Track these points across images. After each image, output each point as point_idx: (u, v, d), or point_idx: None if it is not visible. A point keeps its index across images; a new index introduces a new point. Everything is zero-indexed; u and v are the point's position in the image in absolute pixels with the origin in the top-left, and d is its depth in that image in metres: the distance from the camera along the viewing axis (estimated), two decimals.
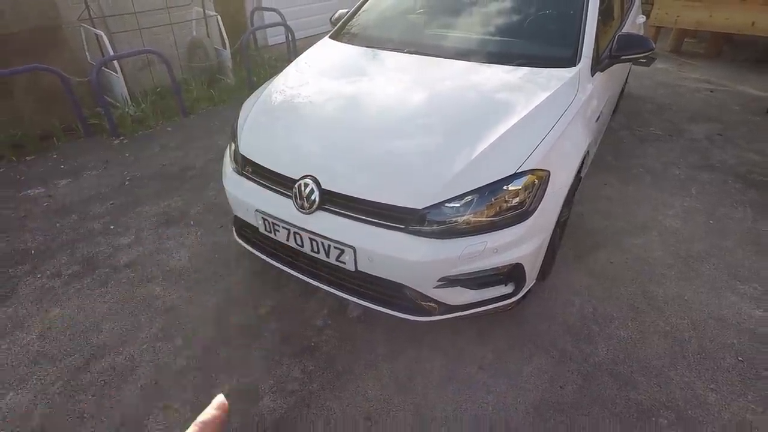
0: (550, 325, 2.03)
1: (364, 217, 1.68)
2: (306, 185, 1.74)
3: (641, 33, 3.87)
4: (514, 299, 1.85)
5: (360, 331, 2.01)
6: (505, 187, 1.65)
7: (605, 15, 2.70)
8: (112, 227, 2.71)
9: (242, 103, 2.28)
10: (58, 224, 2.74)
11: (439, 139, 1.78)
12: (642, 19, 3.78)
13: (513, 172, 1.65)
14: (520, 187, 1.66)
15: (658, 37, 6.53)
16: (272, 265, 2.01)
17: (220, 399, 0.34)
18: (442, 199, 1.61)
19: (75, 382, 1.78)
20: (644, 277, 2.29)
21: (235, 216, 2.15)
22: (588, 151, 2.15)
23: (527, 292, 1.92)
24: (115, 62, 4.18)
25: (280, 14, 5.70)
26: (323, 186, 1.72)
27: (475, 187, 1.62)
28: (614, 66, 2.49)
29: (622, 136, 3.91)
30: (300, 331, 2.01)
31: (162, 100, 4.52)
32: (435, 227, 1.62)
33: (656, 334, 1.98)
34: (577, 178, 2.27)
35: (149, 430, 1.61)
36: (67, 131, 3.92)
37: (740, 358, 1.85)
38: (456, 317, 1.83)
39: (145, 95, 4.39)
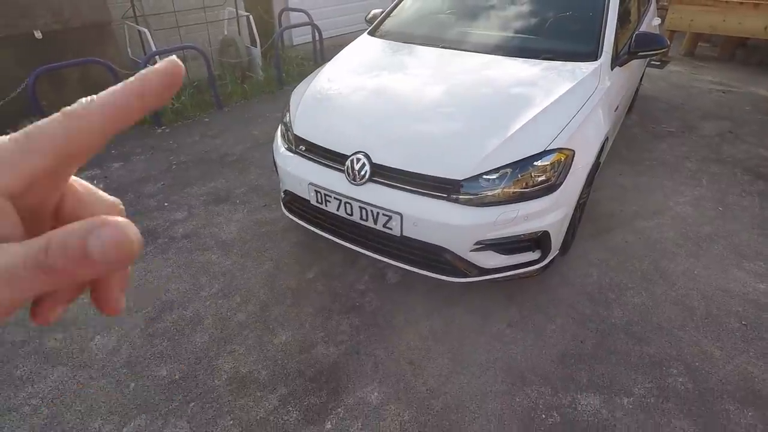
0: (570, 292, 2.24)
1: (410, 188, 1.91)
2: (358, 160, 1.97)
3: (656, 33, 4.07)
4: (540, 265, 2.07)
5: (399, 294, 2.24)
6: (535, 163, 1.88)
7: (623, 16, 2.91)
8: (165, 204, 2.98)
9: (273, 98, 2.55)
10: None
11: (476, 120, 2.02)
12: (657, 21, 3.98)
13: (542, 150, 1.88)
14: (548, 164, 1.88)
15: (673, 41, 6.69)
16: (318, 235, 2.25)
17: (172, 61, 0.23)
18: (480, 172, 1.84)
19: (151, 329, 2.03)
20: (657, 254, 2.50)
21: (284, 192, 2.39)
22: (607, 138, 2.37)
23: (550, 262, 2.14)
24: (157, 57, 4.46)
25: (308, 15, 5.98)
26: (374, 160, 1.96)
27: (509, 162, 1.85)
28: (631, 64, 2.72)
29: (636, 133, 4.10)
30: (345, 293, 2.24)
31: (199, 93, 4.80)
32: (473, 196, 1.85)
33: (667, 302, 2.18)
34: (597, 163, 2.49)
35: (222, 367, 1.85)
36: None
37: (744, 323, 2.05)
38: (487, 280, 2.05)
39: (183, 88, 4.67)
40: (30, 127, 0.21)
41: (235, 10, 5.49)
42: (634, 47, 2.46)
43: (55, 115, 0.22)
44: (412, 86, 2.29)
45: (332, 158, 2.09)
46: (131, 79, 0.23)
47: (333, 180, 2.06)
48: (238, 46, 5.51)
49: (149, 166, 3.47)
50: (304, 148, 2.22)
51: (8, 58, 3.75)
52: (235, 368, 1.85)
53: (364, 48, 2.81)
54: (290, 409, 1.70)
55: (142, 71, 0.23)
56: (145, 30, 4.48)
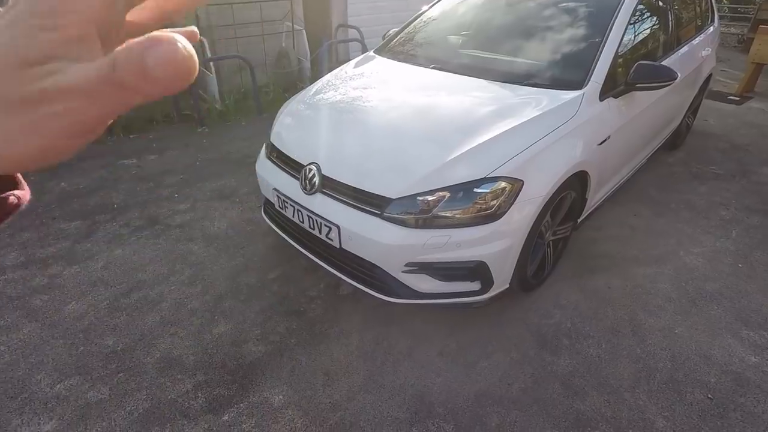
0: (521, 331, 2.11)
1: (350, 202, 1.95)
2: (310, 170, 2.05)
3: (707, 66, 3.68)
4: (481, 297, 1.98)
5: (345, 306, 2.26)
6: (475, 189, 1.82)
7: (648, 43, 2.71)
8: (176, 196, 3.28)
9: None
10: (138, 188, 3.37)
11: (426, 141, 2.01)
12: (707, 51, 3.60)
13: (483, 176, 1.82)
14: (488, 191, 1.81)
15: (761, 74, 5.94)
16: (284, 238, 2.35)
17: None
18: (414, 192, 1.82)
19: (117, 303, 2.26)
20: (638, 306, 2.25)
21: (264, 196, 2.54)
22: (588, 172, 2.21)
23: (500, 295, 2.04)
24: (211, 64, 4.94)
25: (359, 31, 6.23)
26: (323, 172, 2.02)
27: (446, 185, 1.81)
28: (666, 95, 2.70)
29: (676, 172, 3.72)
30: (295, 297, 2.32)
31: (244, 99, 5.21)
32: (405, 216, 1.84)
33: (628, 358, 1.96)
34: (581, 199, 2.33)
35: (158, 347, 2.01)
36: (166, 118, 4.72)
37: (710, 396, 1.78)
38: (427, 305, 2.01)
39: (229, 94, 5.10)
40: None
41: (291, 24, 5.90)
42: (632, 79, 2.28)
43: None
44: (380, 104, 2.33)
45: (292, 166, 2.19)
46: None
47: (291, 188, 2.16)
48: (290, 57, 5.91)
49: (177, 161, 3.85)
50: (275, 155, 2.35)
51: None
52: (170, 350, 2.00)
53: (360, 65, 2.90)
54: (199, 395, 1.80)
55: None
56: (204, 39, 4.99)
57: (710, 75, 3.95)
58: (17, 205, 0.30)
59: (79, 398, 1.78)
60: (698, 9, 3.64)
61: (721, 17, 4.70)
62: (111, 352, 1.99)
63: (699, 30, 3.55)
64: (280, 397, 1.79)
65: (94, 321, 2.15)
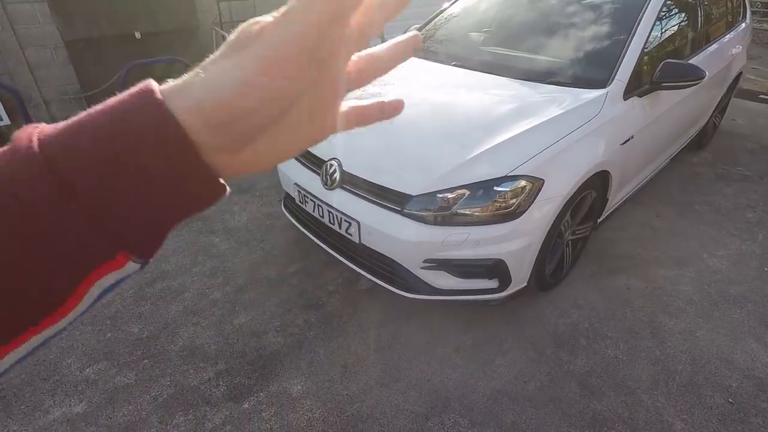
0: (538, 330, 2.11)
1: (370, 198, 1.97)
2: (331, 166, 2.08)
3: (737, 64, 3.59)
4: (498, 295, 1.99)
5: (363, 301, 2.29)
6: (495, 188, 1.82)
7: (675, 40, 2.66)
8: None
9: None
10: None
11: (447, 139, 2.01)
12: (738, 49, 3.50)
13: (504, 175, 1.82)
14: (508, 190, 1.81)
15: None
16: (304, 232, 2.39)
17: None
18: (434, 189, 1.83)
19: (142, 292, 2.33)
20: (657, 307, 2.23)
21: (285, 190, 2.58)
22: (609, 172, 2.19)
23: (518, 293, 2.04)
24: None
25: None
26: (344, 168, 2.05)
27: (465, 183, 1.82)
28: (694, 94, 2.67)
29: (700, 172, 3.64)
30: (314, 291, 2.35)
31: None
32: (425, 213, 1.85)
33: (647, 359, 1.95)
34: (601, 199, 2.31)
35: (181, 336, 2.07)
36: None
37: (731, 400, 1.76)
38: (444, 301, 2.02)
39: None
40: None
41: None
42: (657, 78, 2.24)
43: None
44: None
45: (314, 161, 2.22)
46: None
47: (312, 182, 2.19)
48: None
49: None
50: None
51: (115, 53, 4.51)
52: (192, 338, 2.06)
53: None
54: (220, 383, 1.85)
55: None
56: (226, 34, 5.05)
57: (740, 73, 3.84)
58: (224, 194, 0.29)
59: (107, 382, 1.85)
60: (729, 5, 3.54)
61: (753, 13, 4.54)
62: (137, 339, 2.06)
63: (730, 27, 3.45)
64: (299, 387, 1.83)
65: (120, 309, 2.23)
